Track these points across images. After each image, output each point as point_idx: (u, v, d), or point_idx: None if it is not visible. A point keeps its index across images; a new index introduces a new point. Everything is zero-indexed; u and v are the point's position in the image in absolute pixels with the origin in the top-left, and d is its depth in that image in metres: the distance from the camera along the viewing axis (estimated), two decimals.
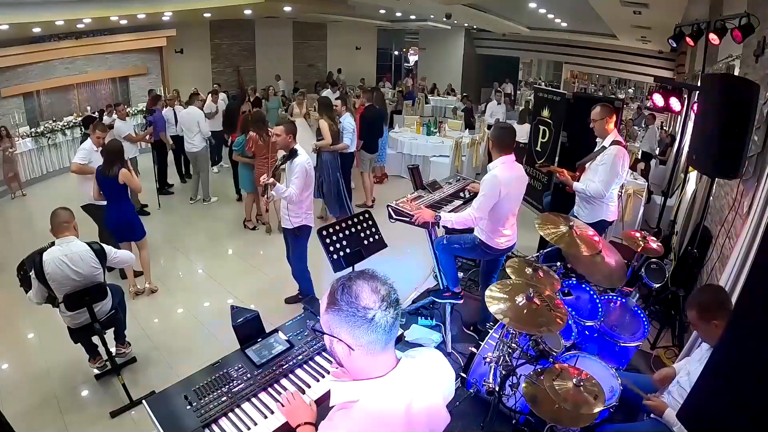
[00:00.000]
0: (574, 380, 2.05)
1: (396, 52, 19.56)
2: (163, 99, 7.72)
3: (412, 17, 14.35)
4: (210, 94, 8.31)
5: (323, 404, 1.91)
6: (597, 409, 1.95)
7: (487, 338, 2.80)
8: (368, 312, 1.00)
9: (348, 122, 5.72)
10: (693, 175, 5.07)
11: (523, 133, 6.90)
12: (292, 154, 3.51)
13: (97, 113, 8.29)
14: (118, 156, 3.96)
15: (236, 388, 1.92)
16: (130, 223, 4.13)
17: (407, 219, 3.33)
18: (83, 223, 3.56)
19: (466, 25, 15.58)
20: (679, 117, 5.39)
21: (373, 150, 6.42)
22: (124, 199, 4.07)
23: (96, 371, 3.27)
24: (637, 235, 3.17)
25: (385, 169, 7.81)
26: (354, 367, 1.06)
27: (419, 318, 3.77)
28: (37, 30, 7.72)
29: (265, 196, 3.48)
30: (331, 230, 3.03)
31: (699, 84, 4.27)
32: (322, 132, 5.41)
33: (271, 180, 3.41)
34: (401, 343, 2.99)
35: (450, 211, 3.46)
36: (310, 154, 3.88)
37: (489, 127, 8.11)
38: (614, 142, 3.44)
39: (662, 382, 2.33)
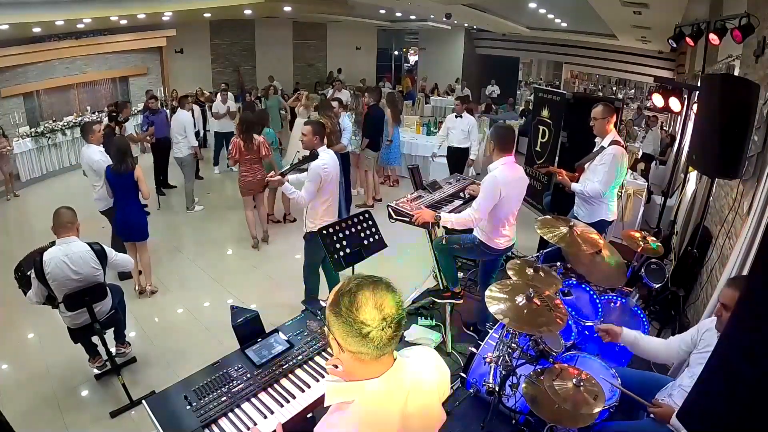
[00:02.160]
0: (574, 380, 2.05)
1: (396, 52, 19.56)
2: (157, 100, 7.66)
3: (412, 17, 14.34)
4: (219, 93, 8.18)
5: (319, 406, 1.92)
6: (597, 409, 1.95)
7: (487, 338, 2.81)
8: (363, 327, 0.98)
9: (346, 122, 5.71)
10: (693, 175, 5.07)
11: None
12: (311, 156, 3.38)
13: (111, 111, 8.11)
14: (127, 152, 3.99)
15: (236, 388, 1.92)
16: (138, 224, 4.13)
17: (407, 219, 3.33)
18: (87, 224, 3.54)
19: (466, 25, 15.57)
20: (679, 117, 5.38)
21: (377, 148, 6.44)
22: (134, 198, 4.06)
23: (96, 371, 3.26)
24: (637, 235, 3.17)
25: (389, 171, 7.75)
26: (346, 366, 1.06)
27: (419, 318, 3.76)
28: (37, 30, 7.72)
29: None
30: (331, 230, 3.03)
31: (699, 84, 4.26)
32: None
33: (278, 177, 3.36)
34: (401, 343, 2.99)
35: (450, 212, 3.46)
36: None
37: (451, 150, 6.70)
38: (613, 142, 3.44)
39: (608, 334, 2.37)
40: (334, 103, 5.78)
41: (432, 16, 13.55)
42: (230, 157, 5.12)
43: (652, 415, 2.18)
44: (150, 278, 4.37)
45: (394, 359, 1.10)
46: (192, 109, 7.20)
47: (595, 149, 3.61)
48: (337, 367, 1.07)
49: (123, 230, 4.14)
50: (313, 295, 3.70)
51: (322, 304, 2.49)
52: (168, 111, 7.10)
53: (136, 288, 4.29)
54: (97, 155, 4.26)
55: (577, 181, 3.64)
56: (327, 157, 3.38)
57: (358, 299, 1.00)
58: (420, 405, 1.12)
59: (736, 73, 4.14)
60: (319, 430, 1.05)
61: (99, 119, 7.37)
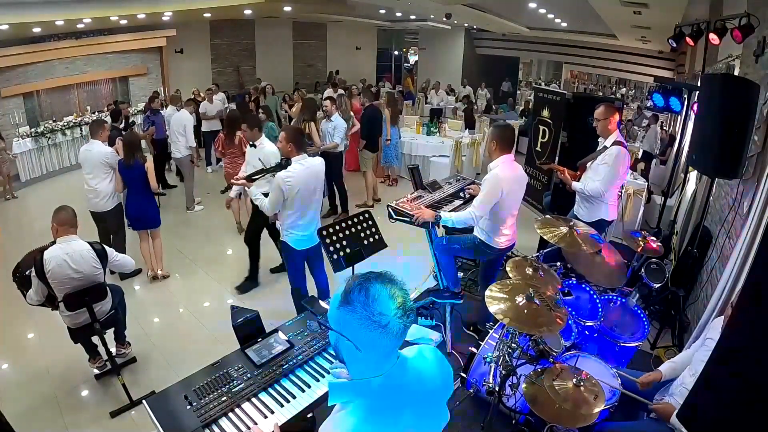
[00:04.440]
0: (574, 380, 2.05)
1: (396, 52, 19.55)
2: (158, 100, 7.65)
3: (412, 17, 14.33)
4: (206, 94, 8.25)
5: (320, 406, 1.92)
6: (597, 409, 1.95)
7: (487, 338, 2.81)
8: (383, 318, 0.99)
9: (339, 121, 5.70)
10: (693, 175, 5.07)
11: None
12: (282, 164, 3.20)
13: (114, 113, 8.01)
14: (138, 146, 4.31)
15: (236, 388, 1.92)
16: (150, 212, 4.44)
17: (407, 219, 3.33)
18: (87, 224, 3.56)
19: (466, 25, 15.56)
20: (679, 117, 5.39)
21: (374, 149, 6.42)
22: (146, 189, 4.28)
23: (96, 371, 3.27)
24: (637, 235, 3.18)
25: (387, 171, 7.74)
26: (357, 366, 1.06)
27: (419, 318, 3.76)
28: (37, 30, 7.70)
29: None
30: (331, 230, 3.03)
31: (699, 84, 4.27)
32: (312, 135, 5.45)
33: (243, 180, 3.29)
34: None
35: (450, 211, 3.46)
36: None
37: None
38: (616, 143, 3.44)
39: (648, 387, 2.36)
40: (326, 102, 5.79)
41: (432, 16, 13.54)
42: (216, 150, 5.53)
43: (652, 414, 2.19)
44: (162, 264, 4.59)
45: (398, 357, 1.10)
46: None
47: (598, 149, 3.61)
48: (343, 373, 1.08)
49: (136, 220, 4.44)
50: (305, 295, 3.56)
51: (323, 305, 2.49)
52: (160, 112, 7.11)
53: (149, 274, 4.55)
54: (106, 148, 4.41)
55: (578, 180, 3.64)
56: (297, 169, 3.10)
57: (371, 292, 1.01)
58: (423, 404, 1.12)
59: (736, 73, 4.14)
60: (325, 429, 1.05)
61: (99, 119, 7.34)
